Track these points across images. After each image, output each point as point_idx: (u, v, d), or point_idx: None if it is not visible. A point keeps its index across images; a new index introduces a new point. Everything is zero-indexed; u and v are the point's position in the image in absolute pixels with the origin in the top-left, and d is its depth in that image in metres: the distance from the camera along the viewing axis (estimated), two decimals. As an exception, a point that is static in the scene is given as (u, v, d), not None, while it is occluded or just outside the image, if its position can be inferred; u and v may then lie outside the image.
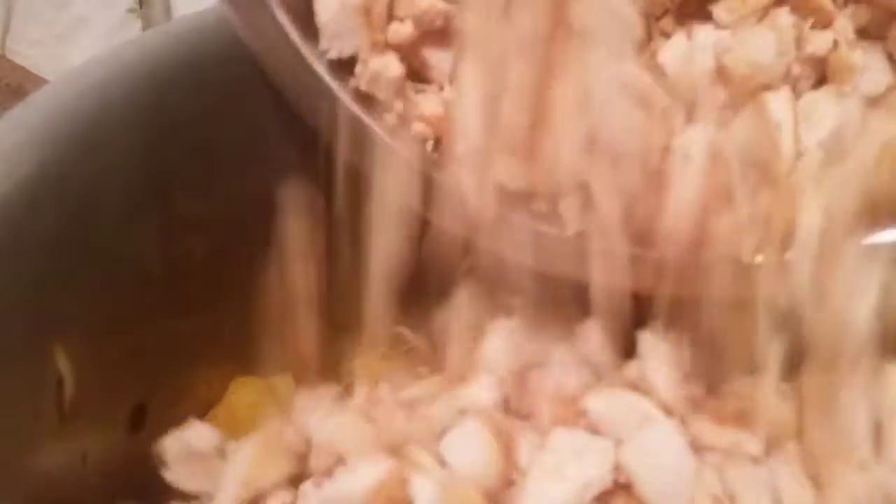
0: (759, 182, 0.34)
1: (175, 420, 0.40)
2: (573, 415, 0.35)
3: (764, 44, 0.34)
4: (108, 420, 0.38)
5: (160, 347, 0.40)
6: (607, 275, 0.35)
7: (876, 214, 0.34)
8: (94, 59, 0.39)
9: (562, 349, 0.38)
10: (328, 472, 0.35)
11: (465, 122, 0.35)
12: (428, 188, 0.36)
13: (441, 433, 0.35)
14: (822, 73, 0.35)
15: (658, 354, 0.36)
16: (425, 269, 0.36)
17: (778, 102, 0.34)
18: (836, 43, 0.35)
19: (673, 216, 0.34)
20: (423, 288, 0.37)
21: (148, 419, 0.40)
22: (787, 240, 0.34)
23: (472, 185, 0.35)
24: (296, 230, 0.38)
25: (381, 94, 0.36)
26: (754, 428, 0.35)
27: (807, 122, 0.34)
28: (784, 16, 0.34)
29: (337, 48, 0.36)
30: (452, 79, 0.37)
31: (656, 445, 0.33)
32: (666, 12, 0.36)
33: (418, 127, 0.37)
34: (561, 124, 0.34)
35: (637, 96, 0.33)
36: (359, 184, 0.37)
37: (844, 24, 0.35)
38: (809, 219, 0.33)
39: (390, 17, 0.36)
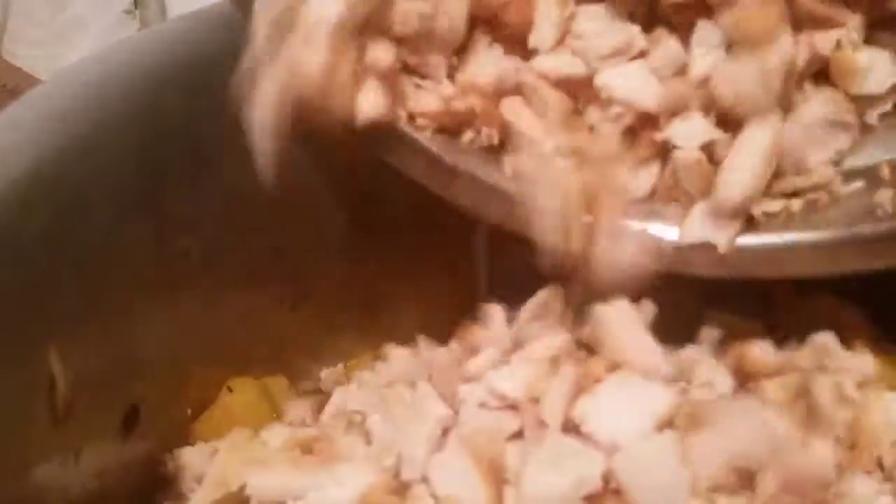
0: None
1: (169, 421, 0.40)
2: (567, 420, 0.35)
3: (753, 77, 0.33)
4: (102, 421, 0.38)
5: (153, 349, 0.40)
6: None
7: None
8: (87, 60, 0.39)
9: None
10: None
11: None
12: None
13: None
14: (824, 70, 0.35)
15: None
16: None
17: (757, 132, 0.34)
18: (839, 43, 0.34)
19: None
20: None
21: (141, 420, 0.40)
22: None
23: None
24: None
25: None
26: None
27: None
28: (781, 51, 0.34)
29: None
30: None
31: (650, 458, 0.33)
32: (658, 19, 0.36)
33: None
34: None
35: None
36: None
37: (853, 26, 0.34)
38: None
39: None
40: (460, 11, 0.36)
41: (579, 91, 0.36)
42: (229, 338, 0.43)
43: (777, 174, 0.35)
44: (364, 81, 0.36)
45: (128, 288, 0.38)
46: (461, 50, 0.37)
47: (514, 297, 0.39)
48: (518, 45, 0.37)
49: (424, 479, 0.34)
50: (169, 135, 0.39)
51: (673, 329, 0.37)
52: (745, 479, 0.33)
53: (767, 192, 0.35)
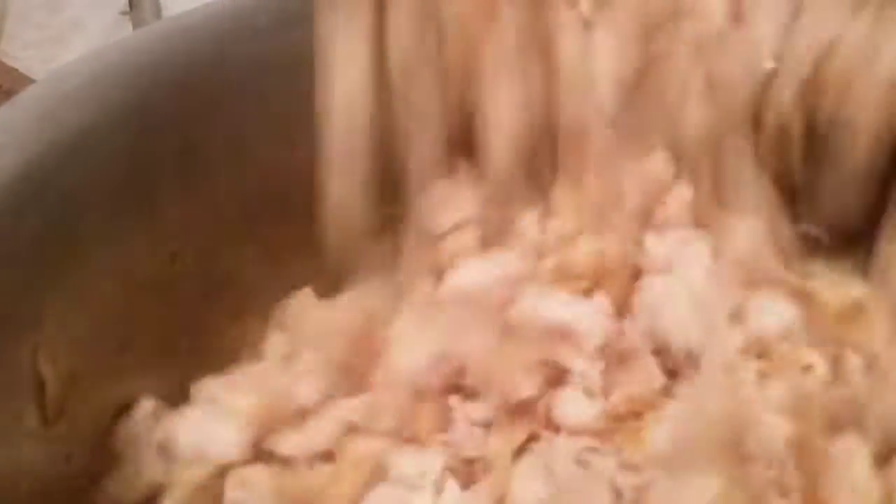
0: None
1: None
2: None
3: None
4: (93, 422, 0.38)
5: (145, 350, 0.40)
6: None
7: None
8: (79, 60, 0.39)
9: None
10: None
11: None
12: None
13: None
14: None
15: None
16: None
17: None
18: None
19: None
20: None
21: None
22: None
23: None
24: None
25: None
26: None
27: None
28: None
29: None
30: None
31: None
32: None
33: None
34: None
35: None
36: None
37: None
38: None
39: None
40: None
41: None
42: (224, 340, 0.43)
43: None
44: None
45: (119, 289, 0.38)
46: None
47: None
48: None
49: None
50: (160, 136, 0.39)
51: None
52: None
53: None
